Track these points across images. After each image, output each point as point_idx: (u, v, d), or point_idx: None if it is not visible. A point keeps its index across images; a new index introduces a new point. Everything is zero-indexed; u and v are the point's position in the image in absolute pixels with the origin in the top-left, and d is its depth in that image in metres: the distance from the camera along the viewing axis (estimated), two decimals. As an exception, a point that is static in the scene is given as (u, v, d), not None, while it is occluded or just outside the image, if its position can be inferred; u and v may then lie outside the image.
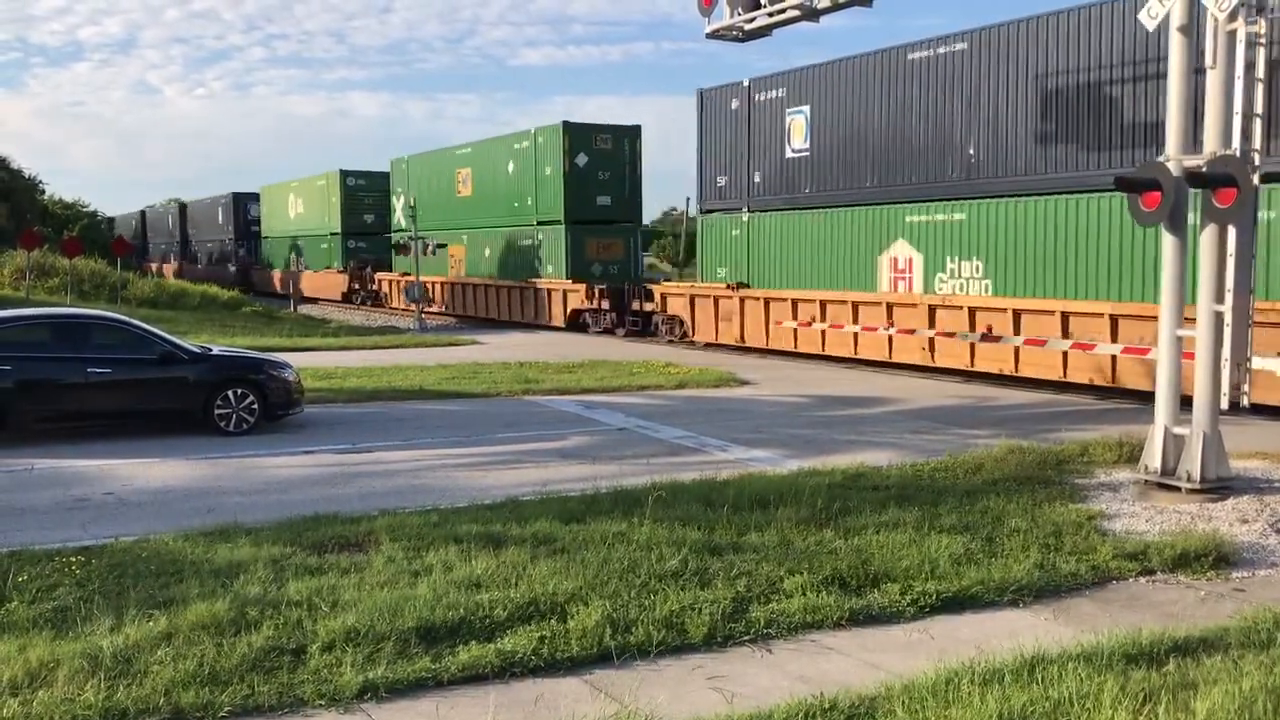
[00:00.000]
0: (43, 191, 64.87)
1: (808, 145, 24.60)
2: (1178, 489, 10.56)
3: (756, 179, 26.12)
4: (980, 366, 20.50)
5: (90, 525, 9.91)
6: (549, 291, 34.52)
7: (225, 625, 6.74)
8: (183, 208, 75.88)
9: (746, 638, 6.91)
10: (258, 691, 5.93)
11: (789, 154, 25.09)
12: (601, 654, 6.56)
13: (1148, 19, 10.98)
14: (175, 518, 10.04)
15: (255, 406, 14.91)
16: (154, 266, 75.89)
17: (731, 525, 9.12)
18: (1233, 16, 10.19)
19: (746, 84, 26.26)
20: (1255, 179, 10.34)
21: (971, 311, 20.43)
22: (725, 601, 7.26)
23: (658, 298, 29.92)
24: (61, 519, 10.21)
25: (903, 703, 5.67)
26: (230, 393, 14.81)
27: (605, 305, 32.21)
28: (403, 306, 42.04)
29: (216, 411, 14.74)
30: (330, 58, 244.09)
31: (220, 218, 66.67)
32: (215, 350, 16.22)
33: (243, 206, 63.45)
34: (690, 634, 6.84)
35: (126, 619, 6.85)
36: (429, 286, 40.86)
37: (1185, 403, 10.82)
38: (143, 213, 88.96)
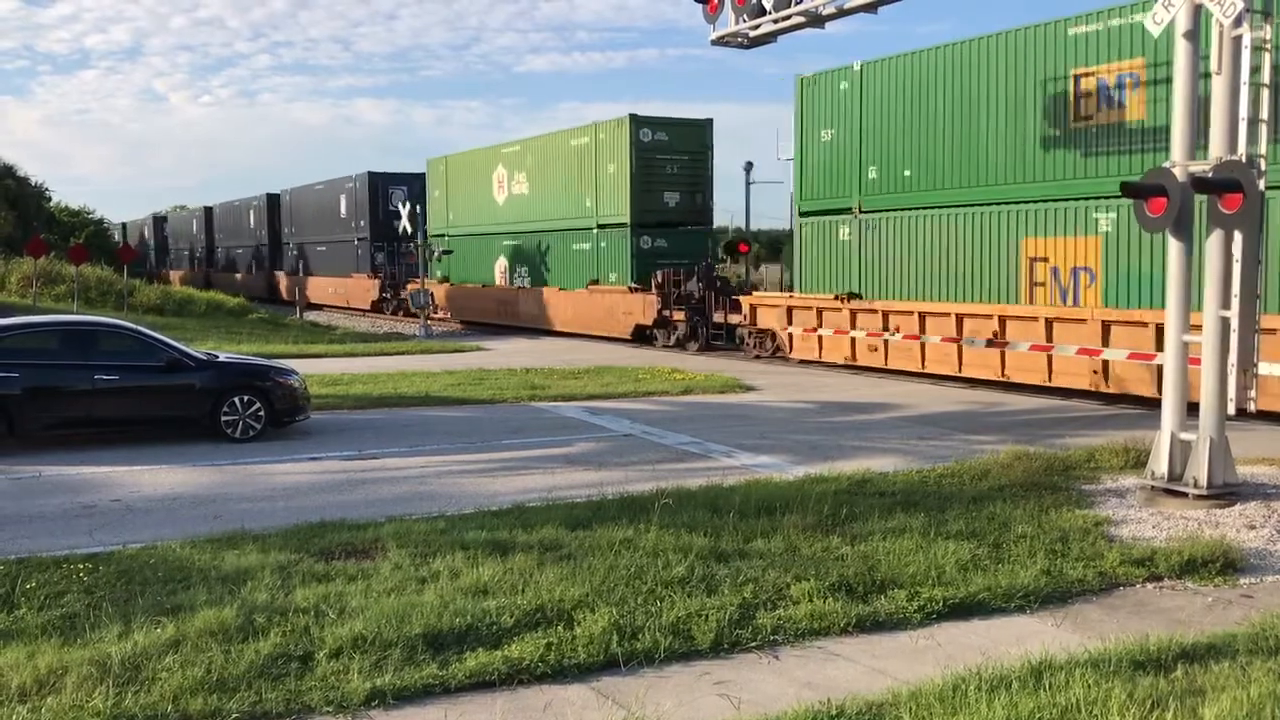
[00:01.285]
0: (49, 199, 64.93)
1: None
2: (1184, 495, 10.54)
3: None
4: (967, 372, 20.33)
5: (98, 532, 9.93)
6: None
7: (233, 632, 6.75)
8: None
9: (753, 644, 6.90)
10: (265, 698, 5.94)
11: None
12: (608, 661, 6.56)
13: (1152, 25, 10.98)
14: (182, 524, 10.06)
15: (261, 413, 14.94)
16: (172, 275, 74.49)
17: (738, 532, 9.13)
18: (1238, 22, 10.19)
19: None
20: (1261, 184, 10.33)
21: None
22: (732, 608, 7.26)
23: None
24: (69, 526, 10.23)
25: (910, 709, 5.67)
26: (236, 399, 14.84)
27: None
28: (430, 316, 39.12)
29: (223, 418, 14.77)
30: (336, 65, 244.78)
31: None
32: (221, 357, 16.24)
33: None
34: (697, 640, 6.84)
35: (134, 626, 6.87)
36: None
37: (1192, 409, 10.81)
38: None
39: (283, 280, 58.42)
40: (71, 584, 7.76)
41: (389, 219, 46.62)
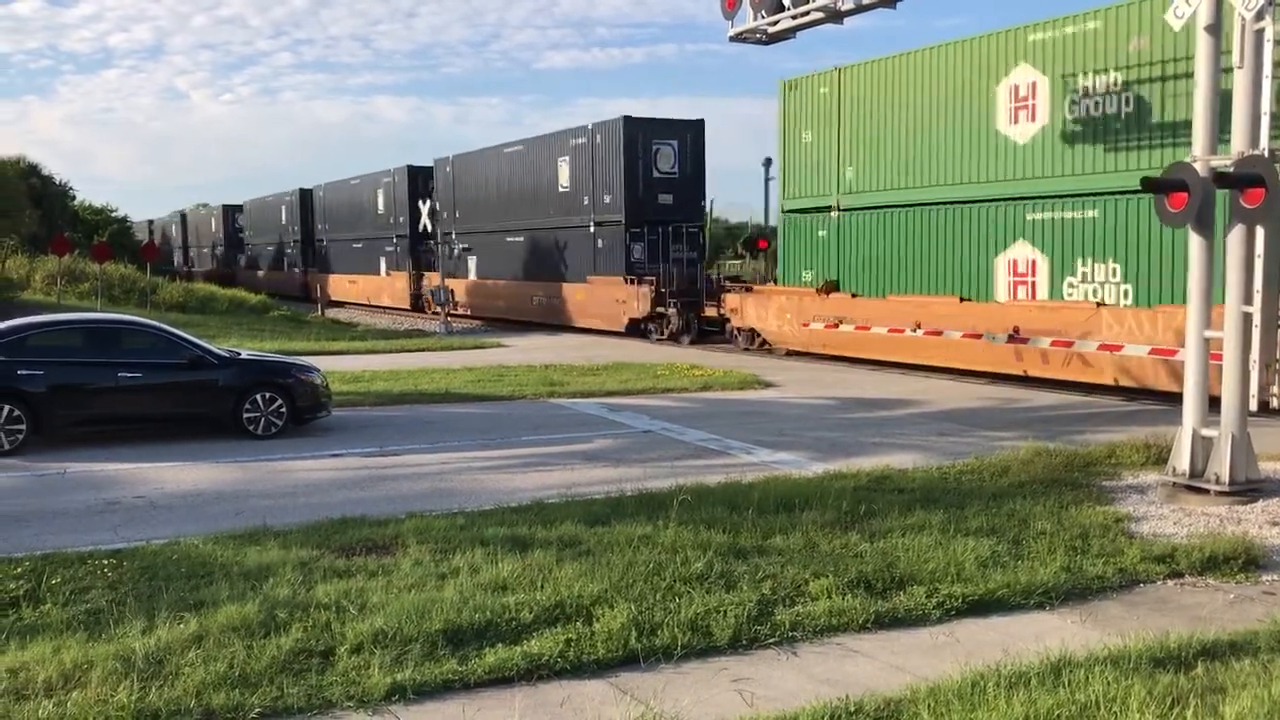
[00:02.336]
0: (73, 198, 65.35)
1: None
2: (1206, 491, 10.49)
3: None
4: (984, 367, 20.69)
5: (121, 528, 10.03)
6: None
7: (255, 627, 6.81)
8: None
9: (772, 640, 6.92)
10: (287, 693, 5.99)
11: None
12: (627, 656, 6.59)
13: (1174, 19, 10.92)
14: (205, 521, 10.14)
15: (283, 410, 15.03)
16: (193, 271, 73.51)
17: (756, 528, 9.13)
18: (1260, 16, 10.13)
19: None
20: (1284, 179, 10.26)
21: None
22: (750, 604, 7.27)
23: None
24: (93, 522, 10.33)
25: (928, 706, 5.66)
26: (258, 396, 14.94)
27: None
28: (450, 313, 38.96)
29: (245, 415, 14.87)
30: (356, 63, 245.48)
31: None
32: (243, 354, 16.35)
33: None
34: (715, 637, 6.86)
35: (158, 621, 6.94)
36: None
37: (1214, 404, 10.75)
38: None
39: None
40: (96, 580, 7.84)
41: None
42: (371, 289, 50.35)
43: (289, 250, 61.84)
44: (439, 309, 37.24)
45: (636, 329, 31.93)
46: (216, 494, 11.58)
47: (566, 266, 35.44)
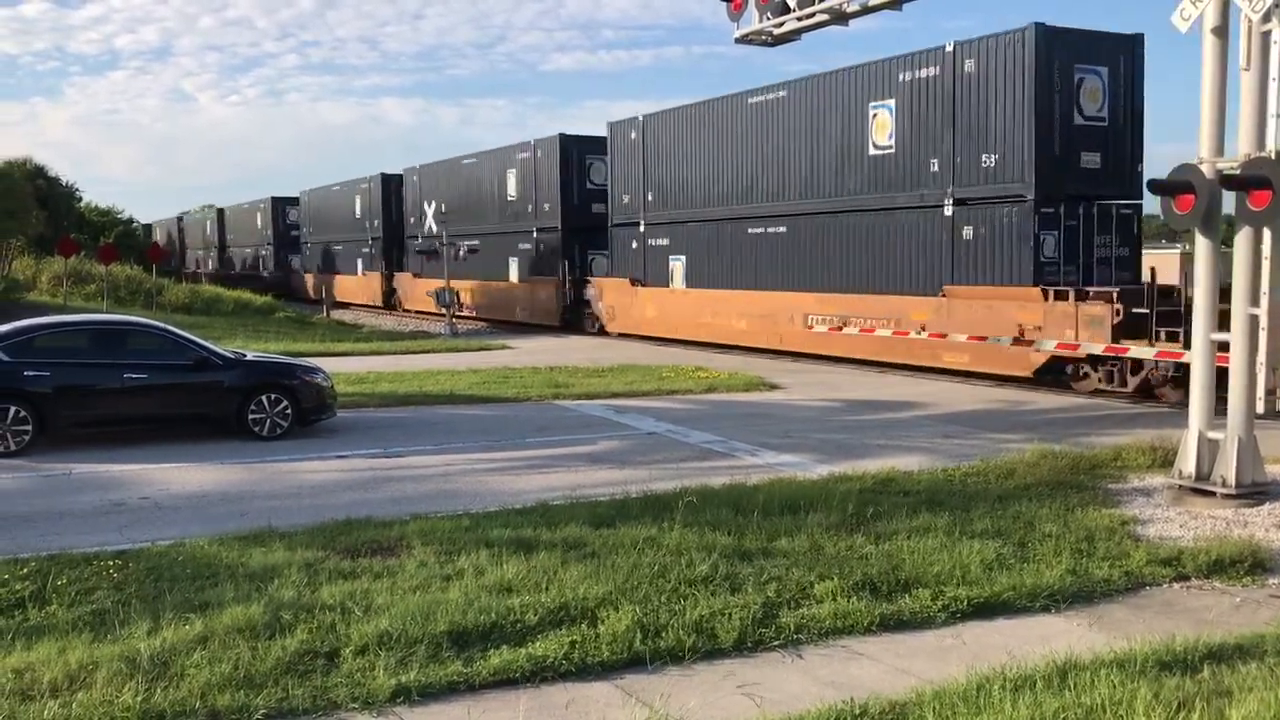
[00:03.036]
0: (79, 199, 65.54)
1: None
2: (1212, 494, 10.46)
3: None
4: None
5: (127, 529, 10.04)
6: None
7: (260, 629, 6.82)
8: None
9: (777, 643, 6.91)
10: (292, 694, 6.00)
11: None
12: (632, 659, 6.58)
13: (1180, 20, 10.89)
14: (210, 522, 10.15)
15: (288, 411, 15.05)
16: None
17: (761, 530, 9.12)
18: (1267, 18, 10.10)
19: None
20: (1291, 181, 10.21)
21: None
22: (755, 607, 7.26)
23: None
24: (99, 523, 10.34)
25: (934, 709, 5.65)
26: (264, 398, 14.95)
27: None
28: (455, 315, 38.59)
29: (250, 416, 14.88)
30: (363, 64, 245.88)
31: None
32: (249, 356, 16.37)
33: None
34: (721, 639, 6.85)
35: (163, 622, 6.94)
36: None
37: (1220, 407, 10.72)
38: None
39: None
40: (101, 581, 7.85)
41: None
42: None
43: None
44: (444, 310, 37.22)
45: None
46: (221, 495, 11.59)
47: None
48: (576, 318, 35.05)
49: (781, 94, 25.69)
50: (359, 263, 52.20)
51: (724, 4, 19.68)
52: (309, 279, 58.34)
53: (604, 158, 33.93)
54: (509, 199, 38.86)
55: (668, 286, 30.17)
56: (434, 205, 43.04)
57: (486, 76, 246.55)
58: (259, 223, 66.10)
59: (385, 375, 21.71)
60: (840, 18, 17.72)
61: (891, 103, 22.72)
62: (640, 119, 31.21)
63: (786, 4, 18.19)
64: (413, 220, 45.99)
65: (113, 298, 37.46)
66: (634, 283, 31.67)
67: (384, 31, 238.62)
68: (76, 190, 62.61)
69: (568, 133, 35.86)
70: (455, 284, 38.59)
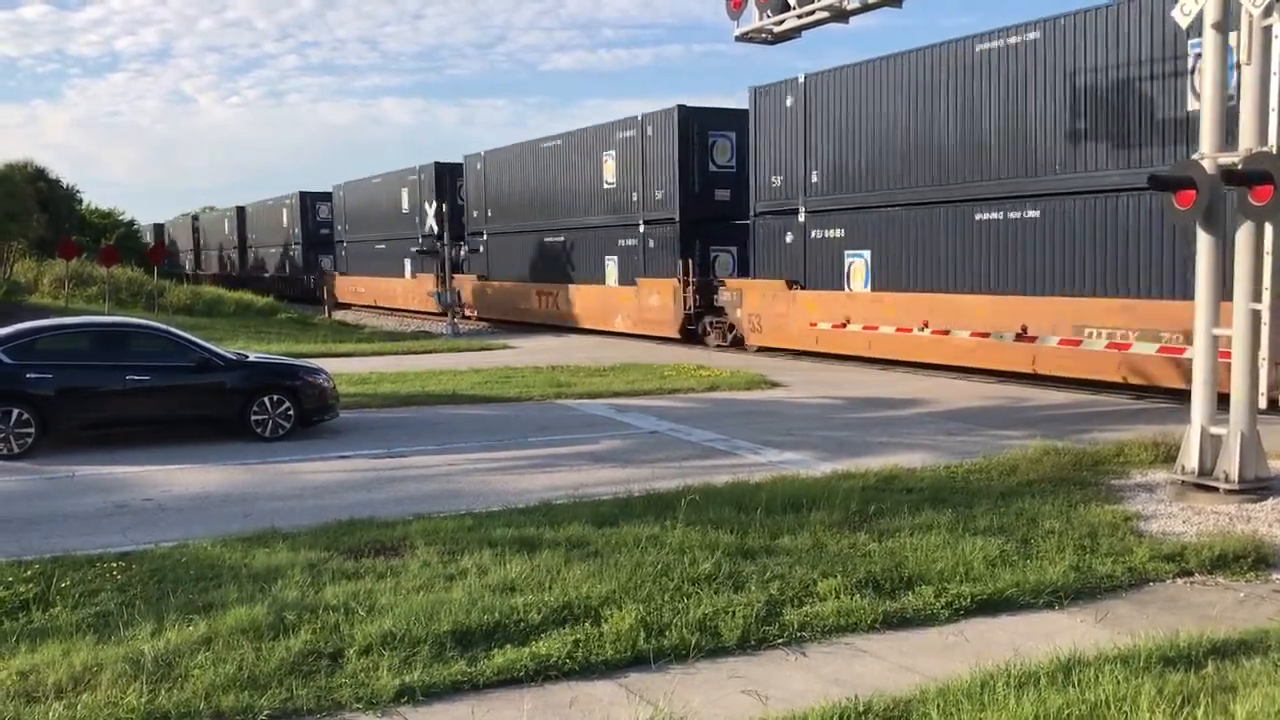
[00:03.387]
0: (80, 201, 65.58)
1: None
2: (1215, 489, 10.45)
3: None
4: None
5: (130, 531, 10.04)
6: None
7: (264, 629, 6.82)
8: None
9: (780, 641, 6.91)
10: (296, 695, 6.00)
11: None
12: (636, 657, 6.58)
13: (1180, 16, 10.89)
14: (213, 523, 10.16)
15: (291, 412, 15.05)
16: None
17: (764, 528, 9.12)
18: (1268, 12, 10.09)
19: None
20: (1293, 176, 10.17)
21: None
22: (759, 605, 7.26)
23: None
24: (102, 525, 10.35)
25: (938, 706, 5.65)
26: (266, 399, 14.95)
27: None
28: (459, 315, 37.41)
29: (253, 417, 14.88)
30: (363, 65, 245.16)
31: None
32: (251, 357, 16.37)
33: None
34: (724, 637, 6.85)
35: (167, 623, 6.95)
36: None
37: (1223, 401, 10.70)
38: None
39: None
40: (105, 582, 7.85)
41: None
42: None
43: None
44: (454, 308, 37.00)
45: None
46: (224, 496, 11.60)
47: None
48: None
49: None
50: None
51: (724, 2, 19.69)
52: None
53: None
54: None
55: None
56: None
57: (486, 76, 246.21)
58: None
59: (387, 376, 21.72)
60: (840, 15, 17.73)
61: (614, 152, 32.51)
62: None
63: (786, 2, 18.22)
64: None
65: (114, 300, 37.49)
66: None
67: (384, 32, 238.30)
68: (77, 192, 62.66)
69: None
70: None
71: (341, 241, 55.76)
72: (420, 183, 45.71)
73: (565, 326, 35.21)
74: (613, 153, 33.13)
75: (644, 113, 31.48)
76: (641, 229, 31.84)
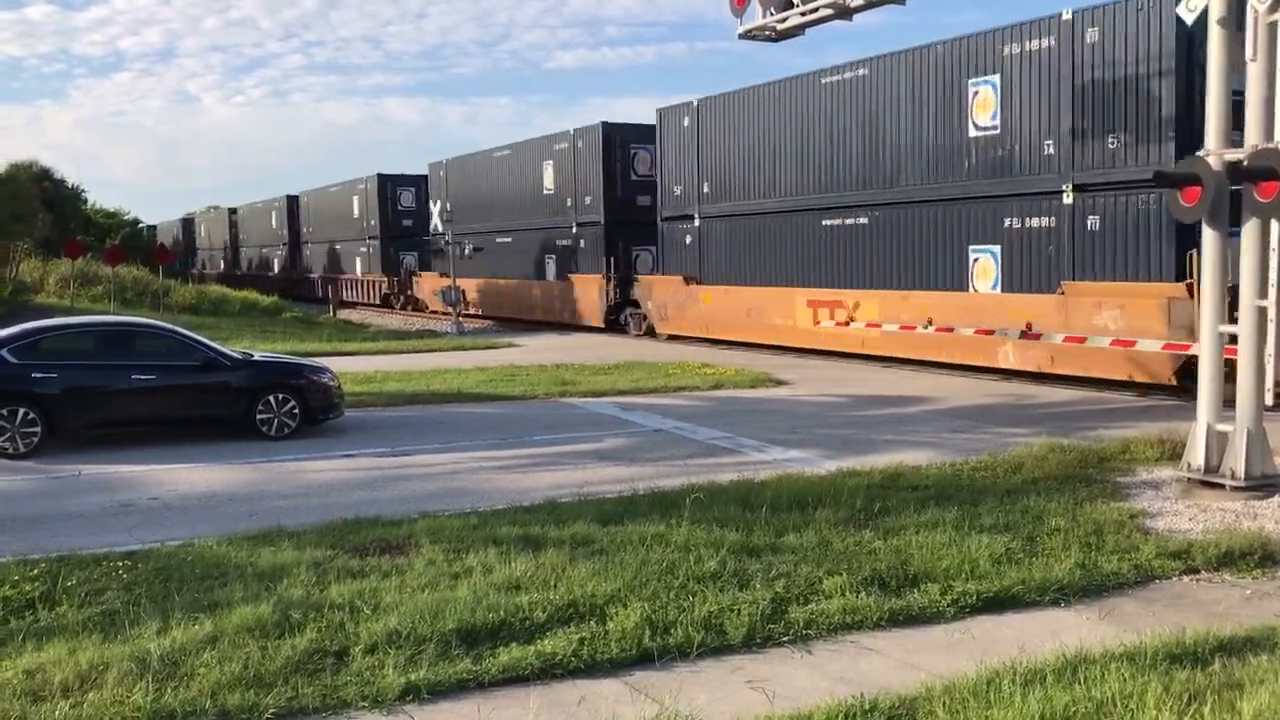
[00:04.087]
0: (85, 201, 65.75)
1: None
2: (1221, 486, 10.43)
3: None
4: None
5: (136, 530, 10.06)
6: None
7: (269, 628, 6.83)
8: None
9: (786, 639, 6.91)
10: (302, 693, 6.01)
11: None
12: (641, 655, 6.59)
13: (1186, 12, 10.86)
14: (219, 522, 10.17)
15: (296, 411, 15.06)
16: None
17: (770, 526, 9.12)
18: (1273, 8, 10.06)
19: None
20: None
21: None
22: (764, 602, 7.26)
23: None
24: (108, 524, 10.37)
25: (944, 703, 5.65)
26: (271, 398, 14.97)
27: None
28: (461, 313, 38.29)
29: (258, 416, 14.90)
30: (367, 64, 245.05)
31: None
32: (256, 356, 16.39)
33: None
34: (729, 635, 6.85)
35: (173, 622, 6.96)
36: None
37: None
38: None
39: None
40: (111, 581, 7.87)
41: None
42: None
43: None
44: (450, 309, 37.22)
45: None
46: (230, 495, 11.61)
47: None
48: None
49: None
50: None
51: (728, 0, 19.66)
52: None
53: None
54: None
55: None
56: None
57: (490, 75, 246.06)
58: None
59: (392, 374, 21.73)
60: (843, 12, 17.68)
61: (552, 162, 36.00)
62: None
63: (790, -1, 18.17)
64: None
65: (119, 299, 37.55)
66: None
67: (387, 31, 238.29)
68: (82, 192, 62.90)
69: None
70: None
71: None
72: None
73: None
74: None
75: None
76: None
